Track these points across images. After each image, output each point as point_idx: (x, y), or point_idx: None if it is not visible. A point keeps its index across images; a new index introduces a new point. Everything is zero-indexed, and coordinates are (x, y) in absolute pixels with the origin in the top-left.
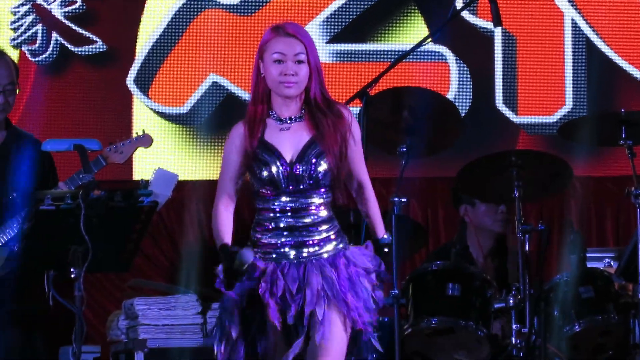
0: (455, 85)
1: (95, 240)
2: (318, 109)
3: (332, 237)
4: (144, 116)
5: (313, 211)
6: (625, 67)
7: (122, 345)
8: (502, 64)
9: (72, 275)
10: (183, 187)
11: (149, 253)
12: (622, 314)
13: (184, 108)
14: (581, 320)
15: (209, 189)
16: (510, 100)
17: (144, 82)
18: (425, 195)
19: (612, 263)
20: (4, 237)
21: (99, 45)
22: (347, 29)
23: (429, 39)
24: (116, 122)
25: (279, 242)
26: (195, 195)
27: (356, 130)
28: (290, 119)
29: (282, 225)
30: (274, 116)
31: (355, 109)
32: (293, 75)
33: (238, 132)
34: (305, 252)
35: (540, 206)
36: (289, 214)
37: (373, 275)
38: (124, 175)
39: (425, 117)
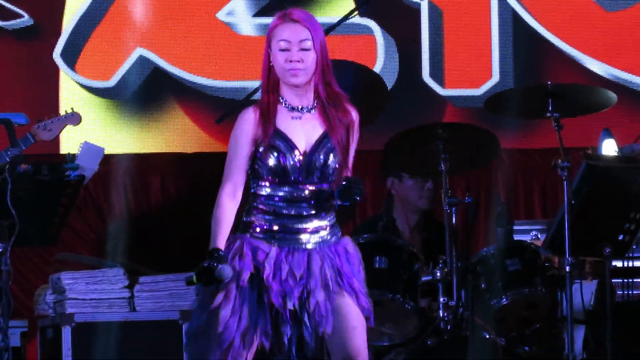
0: (382, 58)
1: (21, 214)
2: (328, 102)
3: (333, 226)
4: (70, 90)
5: (314, 200)
6: (551, 40)
7: (49, 320)
8: (428, 37)
9: None
10: (110, 161)
11: (76, 227)
12: (549, 286)
13: (111, 82)
14: (508, 293)
15: (135, 162)
16: (437, 73)
17: (71, 56)
18: (352, 167)
19: (539, 235)
20: None
21: (25, 19)
22: (273, 3)
23: (356, 12)
24: (43, 97)
25: (281, 228)
26: (122, 169)
27: (357, 134)
28: (302, 108)
29: (284, 212)
30: (285, 104)
31: None
32: (299, 62)
33: (249, 118)
34: (308, 239)
35: (467, 179)
36: (294, 202)
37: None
38: (51, 149)
39: (352, 90)
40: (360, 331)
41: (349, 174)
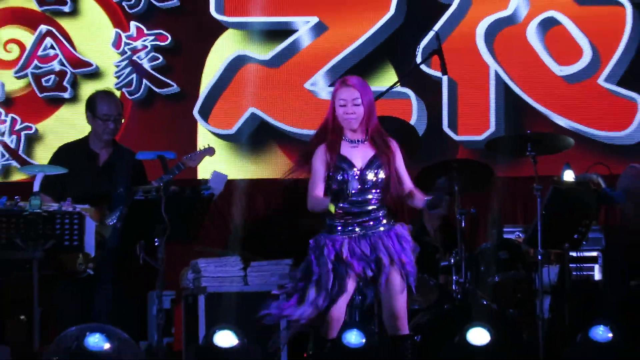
0: (415, 115)
1: (171, 219)
2: (375, 135)
3: (385, 219)
4: (204, 135)
5: (372, 203)
6: (530, 102)
7: (189, 291)
8: (447, 101)
9: (156, 244)
10: (231, 184)
11: (208, 228)
12: (527, 269)
13: (232, 130)
14: (499, 274)
15: (247, 185)
16: (453, 125)
17: (205, 113)
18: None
19: (520, 235)
20: (114, 217)
21: (174, 87)
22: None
23: (398, 83)
24: (187, 140)
25: (348, 223)
26: (239, 189)
27: (399, 154)
28: (358, 140)
29: (350, 211)
30: (346, 139)
31: None
32: (352, 113)
33: (322, 151)
34: (367, 228)
35: (472, 197)
36: (356, 204)
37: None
38: (192, 175)
39: (398, 136)
40: (402, 296)
41: (410, 184)
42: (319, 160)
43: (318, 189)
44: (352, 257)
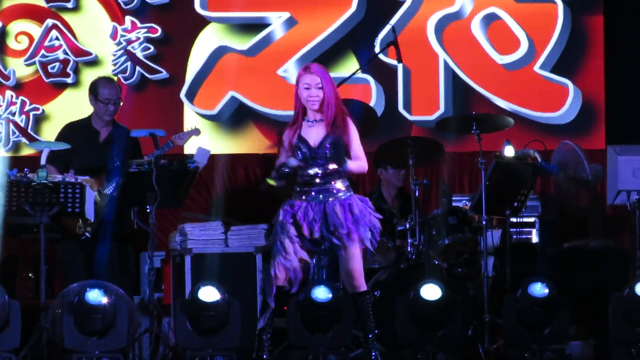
0: (374, 98)
1: (161, 189)
2: (338, 115)
3: (343, 188)
4: (190, 116)
5: (325, 175)
6: (475, 87)
7: (177, 252)
8: (402, 85)
9: (148, 210)
10: (213, 158)
11: (193, 196)
12: (473, 233)
13: (214, 111)
14: (449, 236)
15: (228, 159)
16: (407, 106)
17: (191, 96)
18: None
19: (467, 203)
20: (111, 187)
21: (164, 74)
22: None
23: (359, 70)
24: (174, 120)
25: (305, 191)
26: (220, 163)
27: (353, 132)
28: (315, 120)
29: (307, 182)
30: (307, 120)
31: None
32: (315, 96)
33: (286, 133)
34: (322, 197)
35: (426, 169)
36: (313, 177)
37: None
38: (179, 150)
39: (358, 117)
40: (355, 257)
41: (360, 159)
42: (285, 139)
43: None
44: (304, 220)
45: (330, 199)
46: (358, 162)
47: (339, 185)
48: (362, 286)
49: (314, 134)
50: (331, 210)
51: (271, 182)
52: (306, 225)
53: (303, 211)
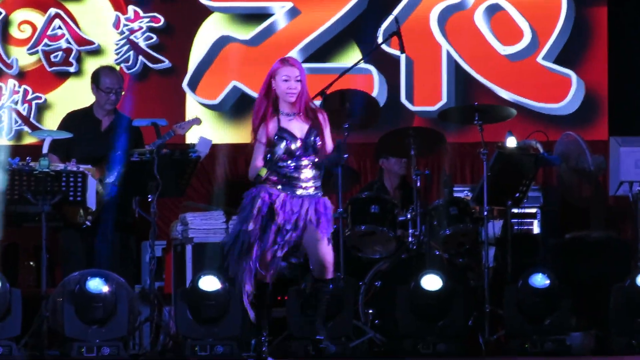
0: (377, 88)
1: (163, 178)
2: (308, 108)
3: (316, 187)
4: (192, 106)
5: (307, 168)
6: (478, 78)
7: (178, 241)
8: (404, 76)
9: (150, 199)
10: (215, 147)
11: (195, 186)
12: (474, 223)
13: (216, 101)
14: (450, 227)
15: (230, 148)
16: (409, 97)
17: (193, 85)
18: (358, 154)
19: (468, 194)
20: (112, 176)
21: (166, 63)
22: (313, 55)
23: (362, 60)
24: (176, 109)
25: (287, 183)
26: (221, 153)
27: (327, 123)
28: (293, 113)
29: (288, 175)
30: (283, 113)
31: (317, 102)
32: (294, 89)
33: (263, 127)
34: (301, 191)
35: (427, 159)
36: (295, 169)
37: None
38: (181, 140)
39: (360, 107)
40: (323, 246)
41: (330, 145)
42: (262, 134)
43: (258, 161)
44: (281, 209)
45: (306, 193)
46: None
47: (315, 181)
48: (330, 274)
49: (297, 126)
50: (305, 202)
51: (263, 171)
52: (283, 216)
53: (281, 202)
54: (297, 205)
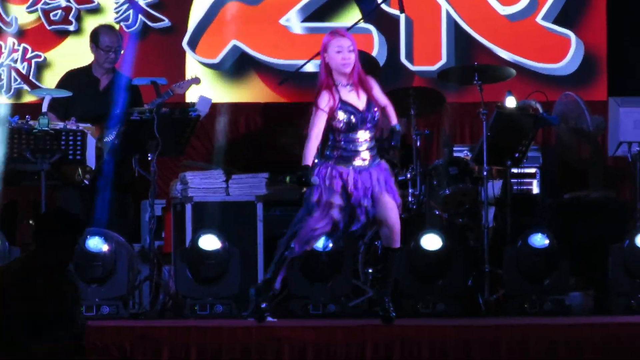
0: (377, 48)
1: (162, 137)
2: (360, 78)
3: (377, 155)
4: (192, 65)
5: (369, 139)
6: (477, 38)
7: (178, 200)
8: (404, 36)
9: (149, 158)
10: (214, 106)
11: (195, 145)
12: (474, 183)
13: (217, 60)
14: (450, 187)
15: (230, 108)
16: (409, 56)
17: (193, 44)
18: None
19: (468, 153)
20: (112, 134)
21: (166, 22)
22: (314, 14)
23: (362, 20)
24: (176, 68)
25: (348, 157)
26: (222, 111)
27: (377, 86)
28: (350, 84)
29: (351, 148)
30: (341, 84)
31: (316, 61)
32: (348, 59)
33: (324, 97)
34: (360, 162)
35: (427, 119)
36: (355, 142)
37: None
38: (181, 99)
39: (362, 66)
40: (395, 211)
41: (387, 101)
42: (325, 102)
43: (312, 143)
44: (354, 189)
45: (371, 163)
46: (392, 111)
47: (375, 150)
48: (398, 242)
49: (356, 98)
50: (373, 173)
51: (288, 179)
52: (357, 194)
53: (353, 180)
54: (367, 178)
